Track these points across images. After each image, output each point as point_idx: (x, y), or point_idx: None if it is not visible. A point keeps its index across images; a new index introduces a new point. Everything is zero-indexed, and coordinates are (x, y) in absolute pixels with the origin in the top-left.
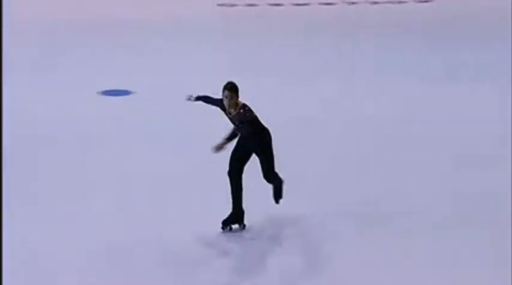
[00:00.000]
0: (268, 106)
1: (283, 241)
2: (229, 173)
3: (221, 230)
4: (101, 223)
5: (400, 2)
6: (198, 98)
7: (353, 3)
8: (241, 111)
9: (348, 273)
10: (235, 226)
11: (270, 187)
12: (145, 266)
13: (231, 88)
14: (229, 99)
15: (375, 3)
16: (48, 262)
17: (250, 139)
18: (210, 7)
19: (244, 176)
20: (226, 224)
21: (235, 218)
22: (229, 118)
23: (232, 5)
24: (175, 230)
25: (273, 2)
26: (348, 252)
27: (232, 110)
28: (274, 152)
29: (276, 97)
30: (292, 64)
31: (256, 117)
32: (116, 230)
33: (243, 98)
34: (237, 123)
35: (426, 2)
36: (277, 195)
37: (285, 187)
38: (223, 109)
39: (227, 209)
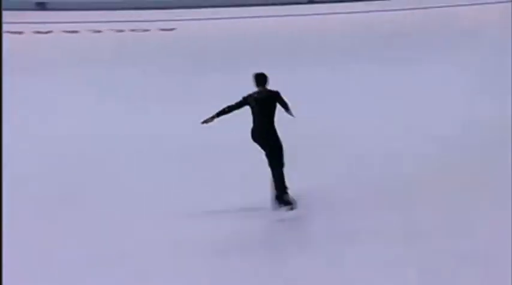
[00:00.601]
0: None
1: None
2: None
3: None
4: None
5: (145, 30)
6: (219, 114)
7: (120, 31)
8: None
9: None
10: None
11: None
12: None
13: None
14: None
15: (121, 31)
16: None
17: None
18: None
19: None
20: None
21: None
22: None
23: None
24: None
25: (37, 29)
26: None
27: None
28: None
29: None
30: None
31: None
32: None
33: None
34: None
35: (170, 30)
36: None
37: None
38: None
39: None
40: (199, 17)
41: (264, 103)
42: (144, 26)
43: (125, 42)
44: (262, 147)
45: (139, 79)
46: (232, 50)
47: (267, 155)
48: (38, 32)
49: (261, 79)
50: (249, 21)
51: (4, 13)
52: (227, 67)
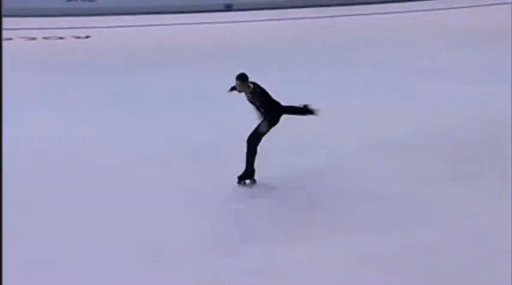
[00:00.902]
0: None
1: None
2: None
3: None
4: None
5: (60, 38)
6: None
7: (33, 38)
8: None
9: None
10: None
11: None
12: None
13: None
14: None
15: (33, 39)
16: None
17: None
18: None
19: None
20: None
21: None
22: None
23: None
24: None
25: None
26: None
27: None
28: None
29: None
30: None
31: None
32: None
33: None
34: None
35: (86, 38)
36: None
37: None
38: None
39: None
40: (113, 24)
41: (262, 95)
42: (58, 33)
43: (38, 50)
44: (291, 113)
45: (56, 88)
46: (149, 57)
47: (301, 112)
48: None
49: (246, 76)
50: (166, 29)
51: None
52: (145, 74)
